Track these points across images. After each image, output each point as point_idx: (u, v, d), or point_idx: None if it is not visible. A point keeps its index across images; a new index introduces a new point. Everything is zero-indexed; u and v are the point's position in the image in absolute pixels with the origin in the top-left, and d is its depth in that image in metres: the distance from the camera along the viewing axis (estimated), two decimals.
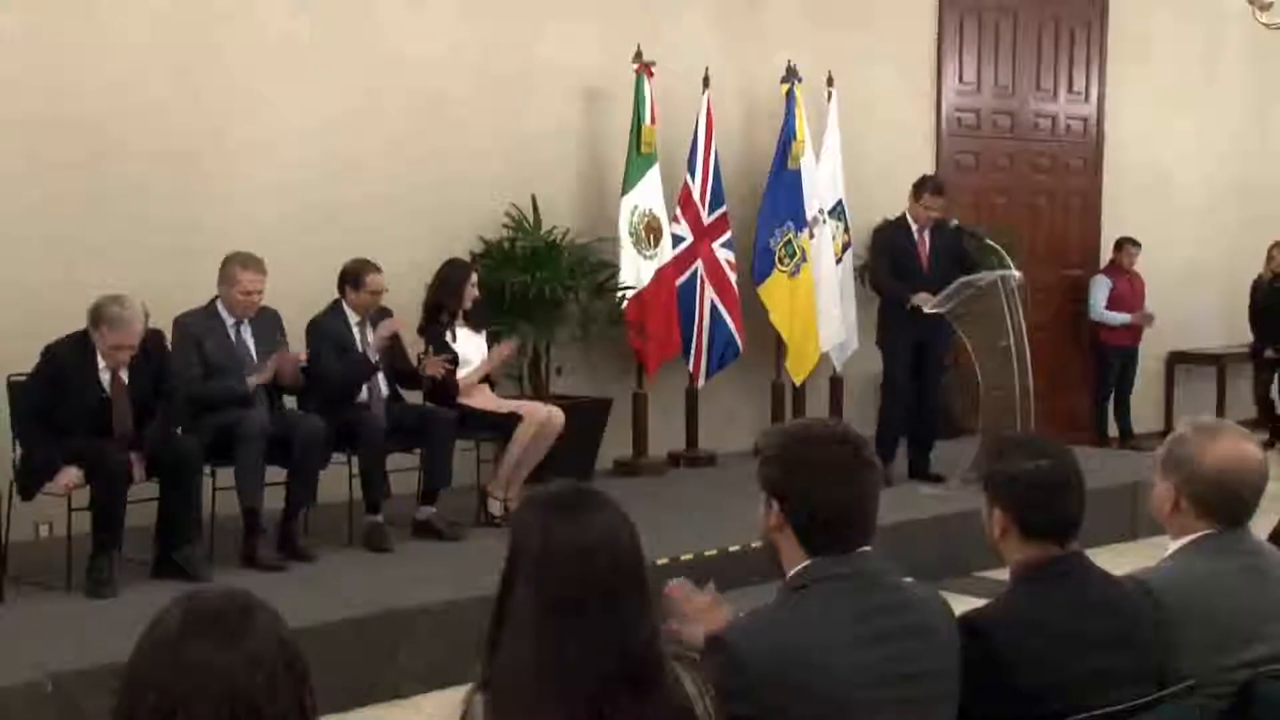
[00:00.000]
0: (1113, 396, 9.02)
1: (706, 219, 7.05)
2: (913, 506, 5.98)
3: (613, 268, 6.69)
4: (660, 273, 6.84)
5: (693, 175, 7.02)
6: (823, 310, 7.43)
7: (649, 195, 6.81)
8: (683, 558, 5.07)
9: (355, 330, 5.39)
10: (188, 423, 4.84)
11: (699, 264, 7.02)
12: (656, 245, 6.84)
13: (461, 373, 5.65)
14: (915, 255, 6.59)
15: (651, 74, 6.77)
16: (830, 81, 7.58)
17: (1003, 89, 8.78)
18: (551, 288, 6.21)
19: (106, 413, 4.51)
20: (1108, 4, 9.14)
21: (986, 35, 8.64)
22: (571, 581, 1.60)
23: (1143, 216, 9.19)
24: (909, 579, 2.01)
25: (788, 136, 7.29)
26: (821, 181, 7.46)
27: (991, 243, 6.90)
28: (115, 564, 4.47)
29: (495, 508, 5.62)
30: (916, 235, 6.63)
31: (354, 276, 5.38)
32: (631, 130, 6.77)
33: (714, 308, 7.05)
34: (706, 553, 5.21)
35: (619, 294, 6.62)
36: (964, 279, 6.50)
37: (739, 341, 7.11)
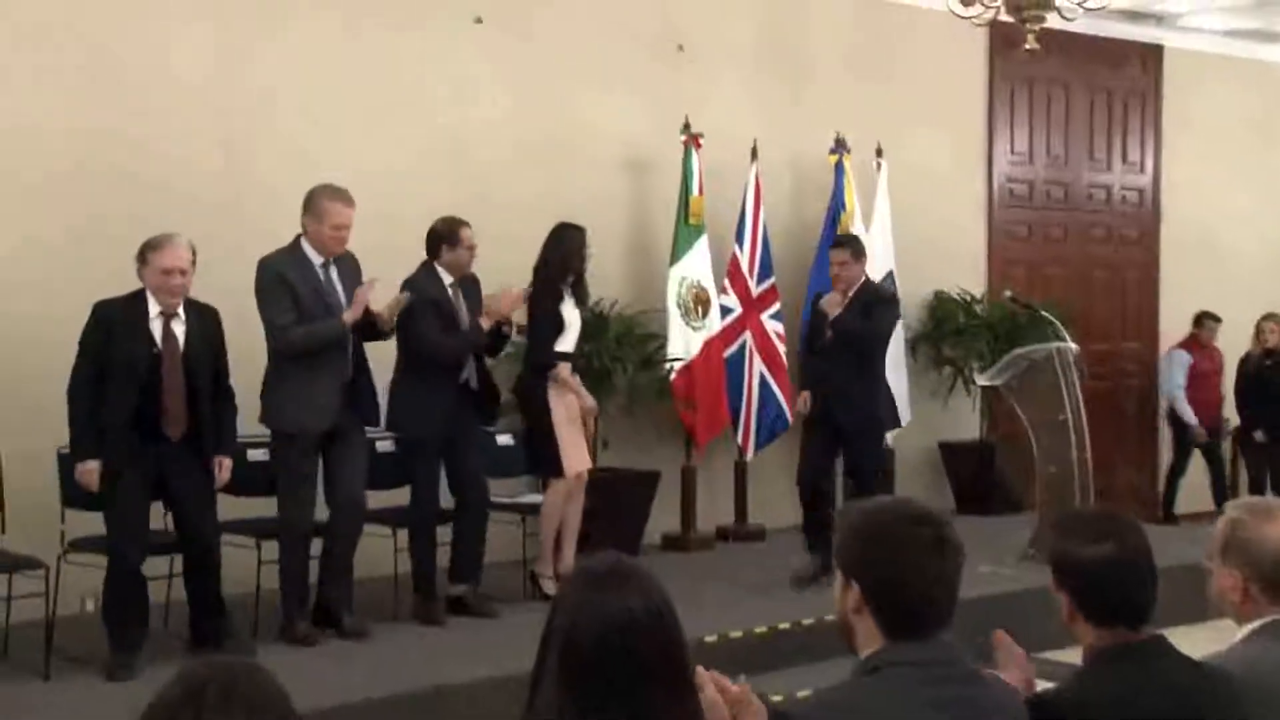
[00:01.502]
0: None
1: (755, 290, 7.10)
2: (969, 584, 5.88)
3: (660, 339, 6.74)
4: (709, 344, 6.89)
5: (741, 246, 7.08)
6: None
7: (697, 266, 6.87)
8: (731, 635, 5.03)
9: (450, 292, 5.28)
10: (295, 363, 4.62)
11: (748, 335, 7.06)
12: (705, 316, 6.88)
13: (565, 344, 5.57)
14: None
15: (700, 145, 6.87)
16: (879, 152, 7.63)
17: (1055, 159, 8.82)
18: (599, 359, 6.26)
19: (157, 373, 4.35)
20: (1161, 74, 9.19)
21: (1038, 105, 8.70)
22: (593, 665, 1.60)
23: (1201, 287, 9.14)
24: (986, 670, 1.98)
25: (837, 207, 7.35)
26: (871, 253, 7.39)
27: (1046, 314, 6.88)
28: (137, 649, 4.36)
29: (549, 587, 5.54)
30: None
31: (450, 233, 5.25)
32: (679, 201, 6.85)
33: (763, 379, 7.07)
34: (756, 630, 5.16)
35: (667, 365, 6.67)
36: (1018, 351, 6.48)
37: (789, 413, 7.08)
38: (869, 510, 1.95)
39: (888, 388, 6.33)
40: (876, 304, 5.95)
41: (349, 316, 4.79)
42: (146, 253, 4.39)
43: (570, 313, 5.64)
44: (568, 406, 5.63)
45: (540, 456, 5.67)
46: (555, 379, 5.57)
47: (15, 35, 5.35)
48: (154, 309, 4.43)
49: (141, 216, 5.12)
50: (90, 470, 4.34)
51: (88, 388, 4.33)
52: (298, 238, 4.82)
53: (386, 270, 5.28)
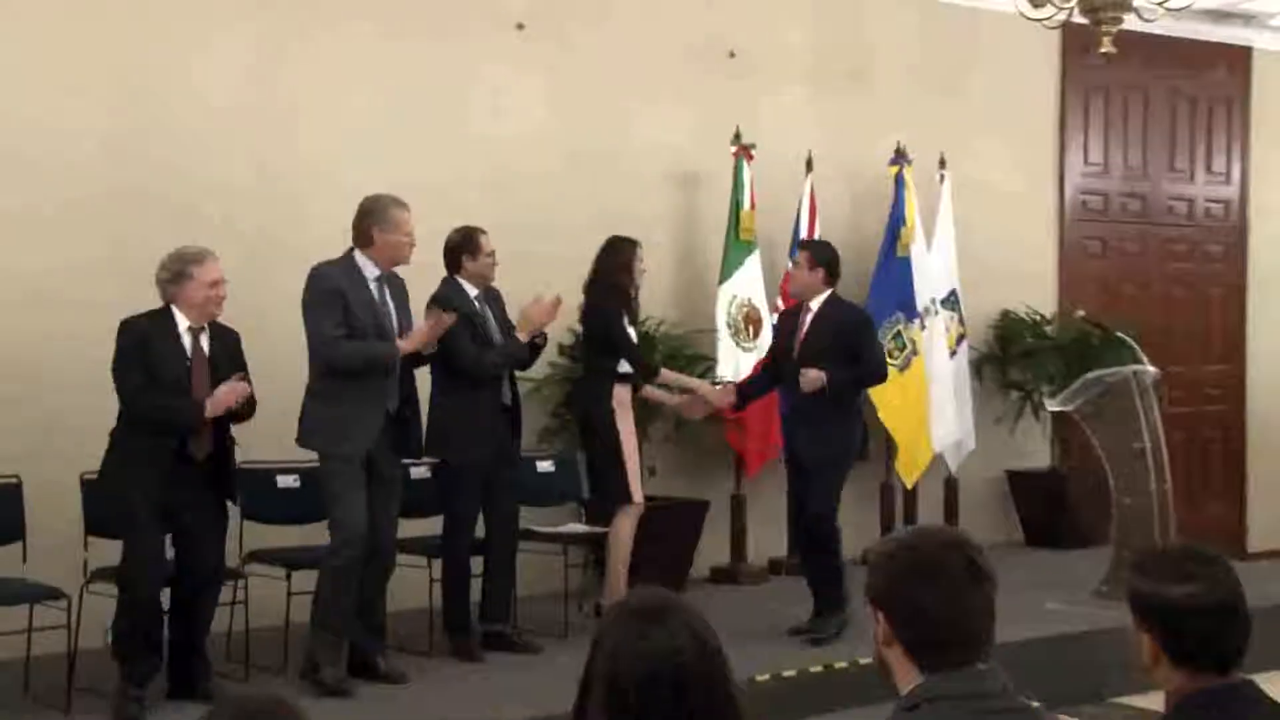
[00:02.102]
0: None
1: None
2: (1037, 622, 5.81)
3: (710, 360, 6.72)
4: (760, 366, 6.76)
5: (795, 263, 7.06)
6: (935, 407, 7.35)
7: (748, 284, 6.85)
8: (784, 673, 5.00)
9: (477, 305, 5.30)
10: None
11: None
12: (756, 337, 6.85)
13: (625, 364, 5.56)
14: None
15: (751, 157, 6.87)
16: (942, 163, 7.58)
17: (1133, 170, 8.70)
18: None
19: (187, 389, 4.40)
20: (1250, 78, 9.03)
21: (1114, 113, 8.60)
22: (639, 707, 1.60)
23: None
24: (1035, 703, 1.95)
25: (896, 221, 7.29)
26: (933, 269, 7.44)
27: (1122, 335, 6.78)
28: (148, 683, 4.37)
29: None
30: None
31: (469, 242, 5.28)
32: (730, 215, 6.85)
33: None
34: (811, 668, 5.13)
35: (716, 388, 6.59)
36: (1091, 374, 6.38)
37: None
38: (898, 538, 1.97)
39: (859, 413, 5.84)
40: (855, 333, 5.51)
41: (408, 345, 4.79)
42: (189, 267, 4.47)
43: (630, 330, 5.67)
44: (632, 430, 5.63)
45: (606, 482, 5.65)
46: (664, 382, 5.62)
47: (46, 59, 5.46)
48: (183, 324, 4.49)
49: (173, 238, 5.18)
50: (233, 388, 4.39)
51: (147, 392, 4.38)
52: (350, 251, 4.82)
53: (424, 290, 5.32)
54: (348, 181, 5.52)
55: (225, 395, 4.47)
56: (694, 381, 5.70)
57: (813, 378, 5.40)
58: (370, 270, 4.82)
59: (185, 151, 5.69)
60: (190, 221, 5.46)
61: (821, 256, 5.64)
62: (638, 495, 5.62)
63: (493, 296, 5.44)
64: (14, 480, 4.80)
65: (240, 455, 5.21)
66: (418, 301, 5.19)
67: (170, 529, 4.48)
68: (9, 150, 5.34)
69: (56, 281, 5.28)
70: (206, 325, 4.55)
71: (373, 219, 4.79)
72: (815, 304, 5.57)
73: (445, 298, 5.29)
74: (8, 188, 5.32)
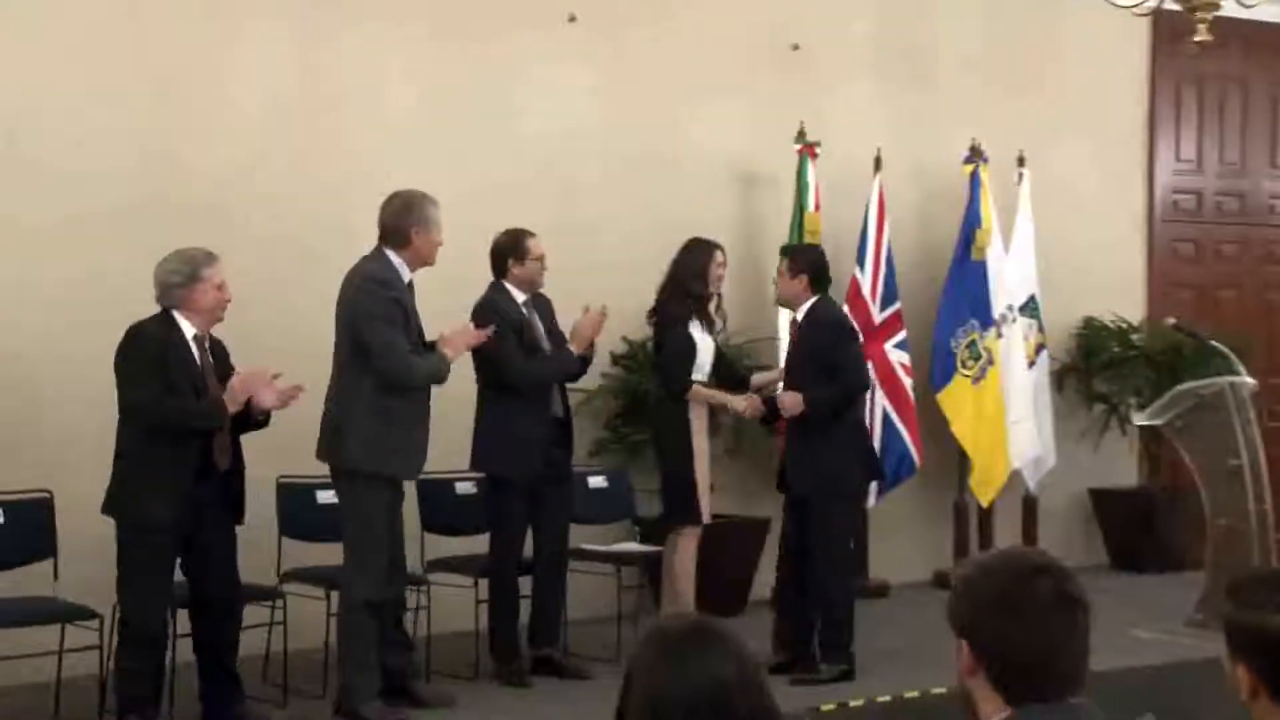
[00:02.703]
0: None
1: (878, 317, 7.04)
2: (1124, 652, 5.69)
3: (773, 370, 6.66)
4: None
5: (862, 268, 7.03)
6: (1013, 420, 7.29)
7: None
8: (851, 703, 4.97)
9: (524, 311, 5.30)
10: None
11: (869, 367, 6.85)
12: None
13: (697, 372, 5.50)
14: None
15: (815, 155, 6.84)
16: (1021, 161, 7.51)
17: (1230, 167, 8.53)
18: None
19: (199, 390, 4.42)
20: None
21: (1210, 106, 8.44)
22: None
23: None
24: None
25: (971, 223, 7.24)
26: (1011, 274, 7.38)
27: (1216, 344, 6.63)
28: None
29: None
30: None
31: (515, 246, 5.28)
32: (793, 218, 6.83)
33: (886, 417, 6.99)
34: (879, 698, 5.09)
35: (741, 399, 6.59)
36: (1183, 387, 6.24)
37: (915, 456, 7.03)
38: (981, 562, 1.94)
39: (859, 428, 5.53)
40: (830, 345, 5.33)
41: (452, 352, 4.79)
42: (200, 269, 4.47)
43: (701, 337, 5.59)
44: (705, 447, 5.60)
45: (670, 499, 5.62)
46: (694, 399, 5.52)
47: (76, 61, 5.53)
48: (189, 331, 4.50)
49: (204, 246, 5.23)
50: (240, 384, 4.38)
51: (167, 398, 4.37)
52: (381, 250, 4.80)
53: (468, 301, 5.31)
54: (391, 185, 5.50)
55: (243, 383, 4.42)
56: (723, 397, 5.59)
57: (789, 403, 5.31)
58: (404, 273, 4.82)
59: (220, 156, 5.76)
60: (225, 229, 5.52)
61: (801, 263, 5.47)
62: (707, 515, 5.56)
63: (541, 303, 5.42)
64: (45, 495, 4.88)
65: (277, 469, 5.27)
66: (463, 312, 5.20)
67: (183, 550, 4.49)
68: (38, 158, 5.42)
69: (85, 292, 5.34)
70: (207, 334, 4.56)
71: (413, 218, 4.77)
72: (800, 314, 5.46)
73: (489, 304, 5.27)
74: (38, 196, 5.41)
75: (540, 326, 5.36)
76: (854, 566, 5.32)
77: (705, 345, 5.59)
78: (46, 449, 5.20)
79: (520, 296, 5.33)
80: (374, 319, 4.66)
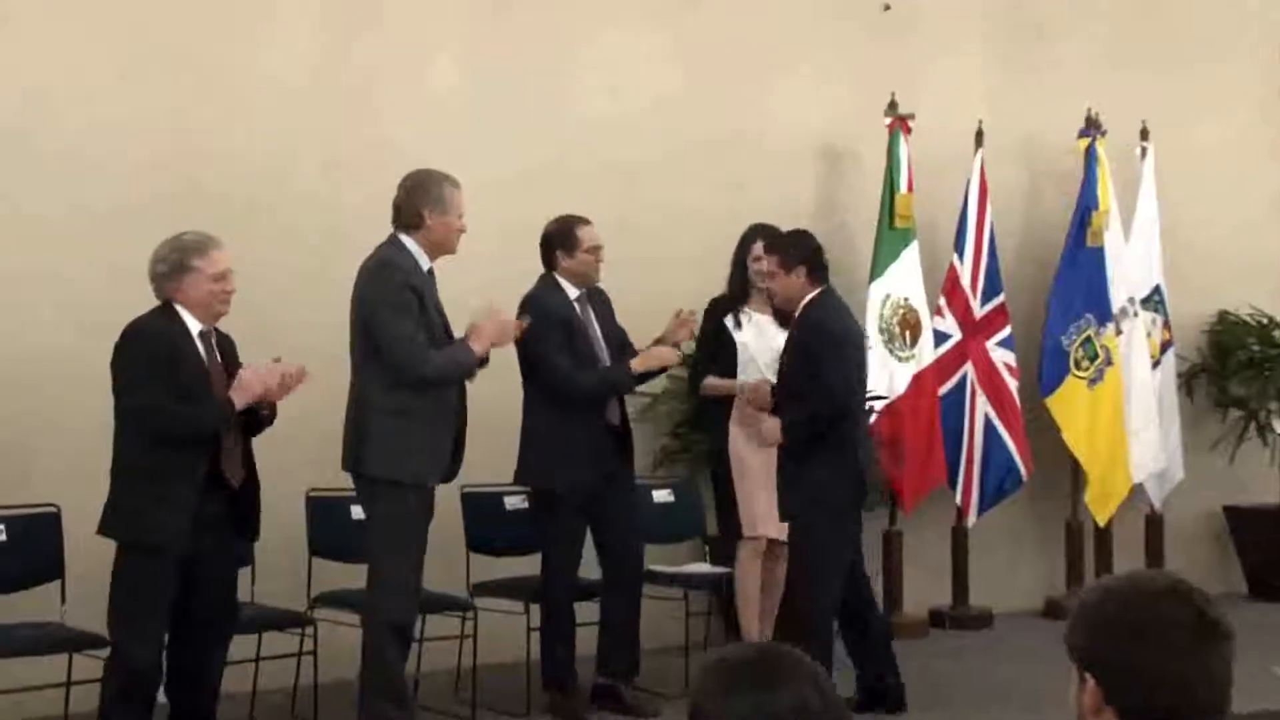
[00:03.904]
0: None
1: (979, 311, 6.98)
2: (1266, 694, 5.47)
3: None
4: (919, 378, 6.78)
5: (961, 256, 6.97)
6: (1134, 428, 7.21)
7: (905, 281, 6.78)
8: None
9: (576, 307, 5.27)
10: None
11: (969, 368, 6.95)
12: (914, 344, 6.79)
13: (739, 378, 5.46)
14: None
15: (909, 130, 6.78)
16: (1144, 134, 7.43)
17: None
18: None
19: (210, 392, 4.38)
20: None
21: None
22: None
23: None
24: None
25: (1086, 206, 7.17)
26: (1132, 262, 7.29)
27: None
28: None
29: None
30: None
31: (564, 235, 5.25)
32: (883, 200, 6.76)
33: (988, 423, 6.95)
34: None
35: (866, 406, 6.45)
36: None
37: (1021, 467, 6.96)
38: (1106, 585, 1.91)
39: (851, 447, 5.10)
40: (816, 353, 5.06)
41: (480, 344, 4.73)
42: (190, 258, 4.40)
43: (752, 333, 5.57)
44: (754, 452, 5.50)
45: (721, 513, 5.64)
46: (709, 392, 5.50)
47: (97, 43, 5.55)
48: (193, 327, 4.45)
49: (234, 240, 5.22)
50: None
51: (167, 404, 4.33)
52: (395, 236, 4.79)
53: (515, 294, 5.25)
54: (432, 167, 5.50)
55: (255, 378, 4.36)
56: (730, 384, 5.50)
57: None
58: (423, 260, 4.78)
59: (247, 141, 5.77)
60: (252, 220, 5.54)
61: (794, 255, 5.17)
62: (750, 528, 5.50)
63: (598, 298, 5.37)
64: (52, 510, 4.90)
65: (307, 482, 5.25)
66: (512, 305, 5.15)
67: (184, 574, 4.43)
68: (50, 145, 5.44)
69: (100, 292, 5.33)
70: (213, 329, 4.51)
71: (424, 198, 4.74)
72: (799, 310, 5.23)
73: (533, 299, 5.24)
74: (50, 187, 5.43)
75: (595, 327, 5.32)
76: (837, 596, 5.09)
77: (759, 342, 5.56)
78: (54, 460, 5.23)
79: (573, 292, 5.29)
80: (383, 307, 4.65)
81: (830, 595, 5.05)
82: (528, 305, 5.20)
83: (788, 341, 5.27)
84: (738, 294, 5.63)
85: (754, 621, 5.52)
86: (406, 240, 4.76)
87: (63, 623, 4.74)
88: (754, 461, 5.48)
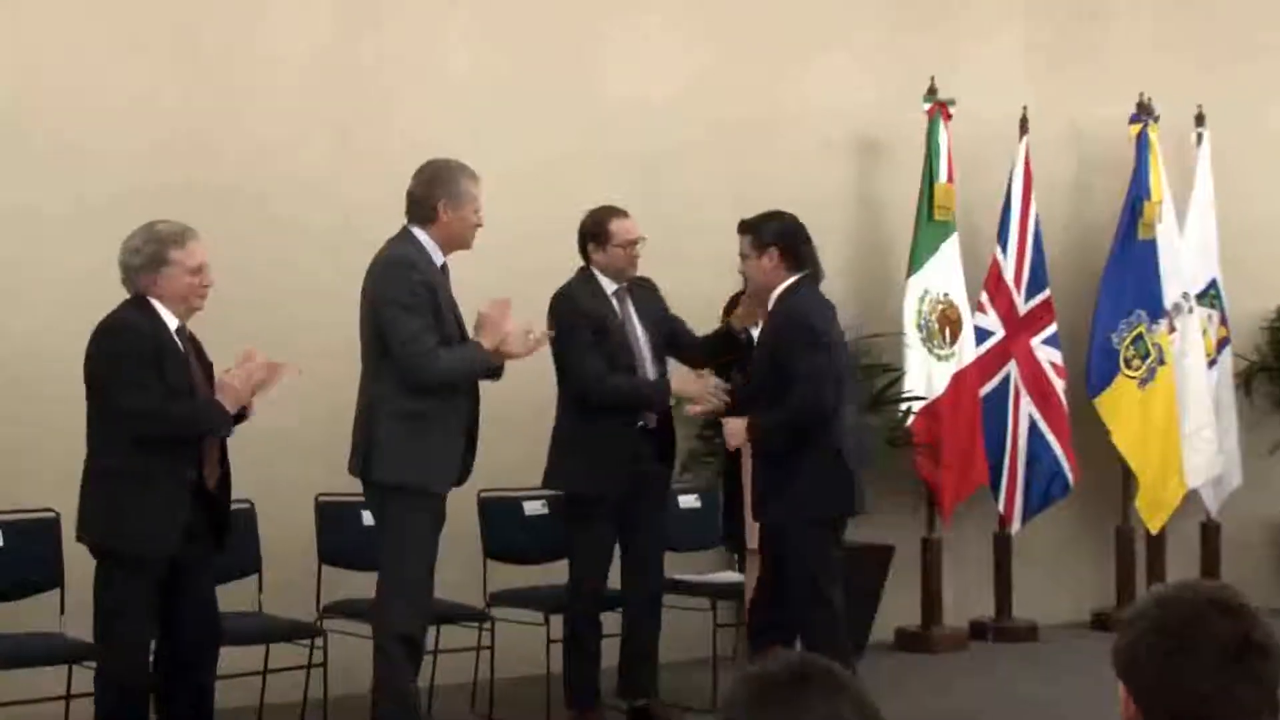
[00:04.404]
0: None
1: (1023, 307, 6.98)
2: None
3: (896, 372, 6.64)
4: (959, 378, 6.78)
5: (1004, 249, 6.96)
6: (1189, 430, 7.19)
7: (944, 276, 6.78)
8: None
9: (614, 302, 5.26)
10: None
11: (1012, 367, 6.94)
12: (954, 342, 6.79)
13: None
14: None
15: (949, 116, 6.77)
16: (1200, 120, 7.40)
17: None
18: None
19: (194, 393, 4.35)
20: None
21: None
22: None
23: None
24: None
25: (1138, 195, 7.15)
26: (1186, 256, 7.28)
27: None
28: None
29: None
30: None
31: (596, 227, 5.25)
32: (922, 190, 6.75)
33: (1033, 425, 6.93)
34: None
35: (903, 406, 6.55)
36: None
37: (1068, 473, 6.94)
38: (1157, 592, 1.90)
39: (833, 451, 4.86)
40: (789, 350, 4.82)
41: (490, 339, 4.73)
42: (167, 250, 4.37)
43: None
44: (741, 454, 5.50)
45: (726, 516, 5.65)
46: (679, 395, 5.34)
47: (98, 22, 5.57)
48: (171, 322, 4.42)
49: (238, 233, 5.26)
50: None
51: (162, 403, 4.30)
52: (407, 230, 4.79)
53: (535, 289, 5.25)
54: (450, 154, 5.50)
55: (239, 381, 4.34)
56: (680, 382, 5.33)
57: (730, 430, 4.93)
58: (436, 255, 4.78)
59: (251, 129, 5.78)
60: (256, 213, 5.56)
61: (766, 234, 4.93)
62: (751, 539, 5.31)
63: (642, 291, 5.35)
64: (50, 515, 4.92)
65: (322, 486, 5.27)
66: (538, 303, 5.17)
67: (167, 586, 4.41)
68: (44, 134, 5.46)
69: (97, 288, 5.32)
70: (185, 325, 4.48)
71: (440, 190, 4.74)
72: (773, 299, 4.98)
73: (563, 295, 5.25)
74: (44, 178, 5.44)
75: (635, 323, 5.31)
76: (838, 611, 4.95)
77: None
78: (50, 462, 5.21)
79: (609, 286, 5.29)
80: (393, 306, 4.64)
81: (835, 604, 4.90)
82: (558, 302, 5.21)
83: (760, 334, 5.14)
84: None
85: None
86: (419, 234, 4.76)
87: (62, 633, 4.76)
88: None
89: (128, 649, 4.32)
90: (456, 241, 4.79)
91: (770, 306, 4.96)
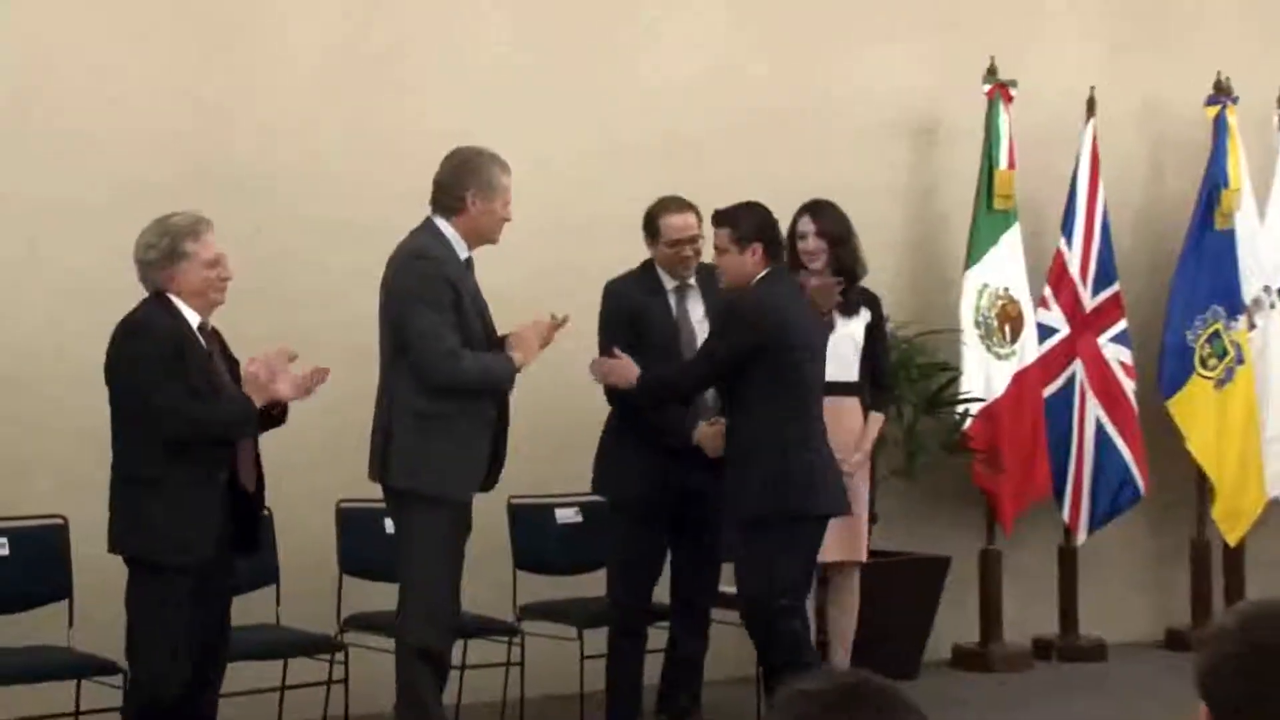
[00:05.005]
0: None
1: (1089, 302, 6.97)
2: None
3: (952, 371, 6.64)
4: (1021, 378, 6.77)
5: (1069, 240, 6.94)
6: (1271, 435, 7.17)
7: (1004, 269, 6.78)
8: None
9: (671, 299, 5.28)
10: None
11: (1078, 366, 6.94)
12: (1015, 340, 6.78)
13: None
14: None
15: (1010, 98, 6.76)
16: None
17: None
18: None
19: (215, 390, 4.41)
20: None
21: None
22: None
23: None
24: None
25: (1215, 183, 7.13)
26: (1268, 247, 7.25)
27: None
28: None
29: None
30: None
31: (648, 220, 5.31)
32: (980, 178, 6.76)
33: (1100, 429, 6.92)
34: None
35: (961, 409, 6.54)
36: None
37: (1139, 480, 6.93)
38: (1242, 610, 1.89)
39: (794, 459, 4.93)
40: (724, 320, 5.05)
41: (523, 355, 4.79)
42: (183, 243, 4.42)
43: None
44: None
45: None
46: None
47: (102, 10, 5.63)
48: (192, 318, 4.48)
49: (252, 226, 5.30)
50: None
51: (195, 407, 4.37)
52: (430, 221, 4.82)
53: (567, 289, 5.27)
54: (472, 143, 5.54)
55: (267, 368, 4.36)
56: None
57: (708, 435, 5.11)
58: (461, 249, 4.81)
59: (264, 115, 5.81)
60: (268, 204, 5.60)
61: (748, 227, 5.03)
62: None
63: (711, 286, 5.30)
64: (58, 521, 4.99)
65: (343, 491, 5.31)
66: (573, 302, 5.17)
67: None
68: (50, 121, 5.51)
69: (107, 281, 5.38)
70: (207, 321, 4.55)
71: (469, 179, 4.77)
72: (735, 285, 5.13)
73: (609, 289, 5.30)
74: (50, 167, 5.50)
75: (692, 322, 5.33)
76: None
77: (842, 336, 5.60)
78: (57, 464, 5.32)
79: (669, 282, 5.31)
80: (413, 302, 4.66)
81: (801, 611, 5.02)
82: (606, 295, 5.30)
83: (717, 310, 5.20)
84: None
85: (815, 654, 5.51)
86: (443, 225, 4.79)
87: (70, 646, 4.82)
88: None
89: (166, 667, 4.35)
90: (483, 235, 4.82)
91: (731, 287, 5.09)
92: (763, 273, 5.03)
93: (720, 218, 5.11)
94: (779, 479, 4.90)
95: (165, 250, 4.41)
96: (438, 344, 4.62)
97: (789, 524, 4.94)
